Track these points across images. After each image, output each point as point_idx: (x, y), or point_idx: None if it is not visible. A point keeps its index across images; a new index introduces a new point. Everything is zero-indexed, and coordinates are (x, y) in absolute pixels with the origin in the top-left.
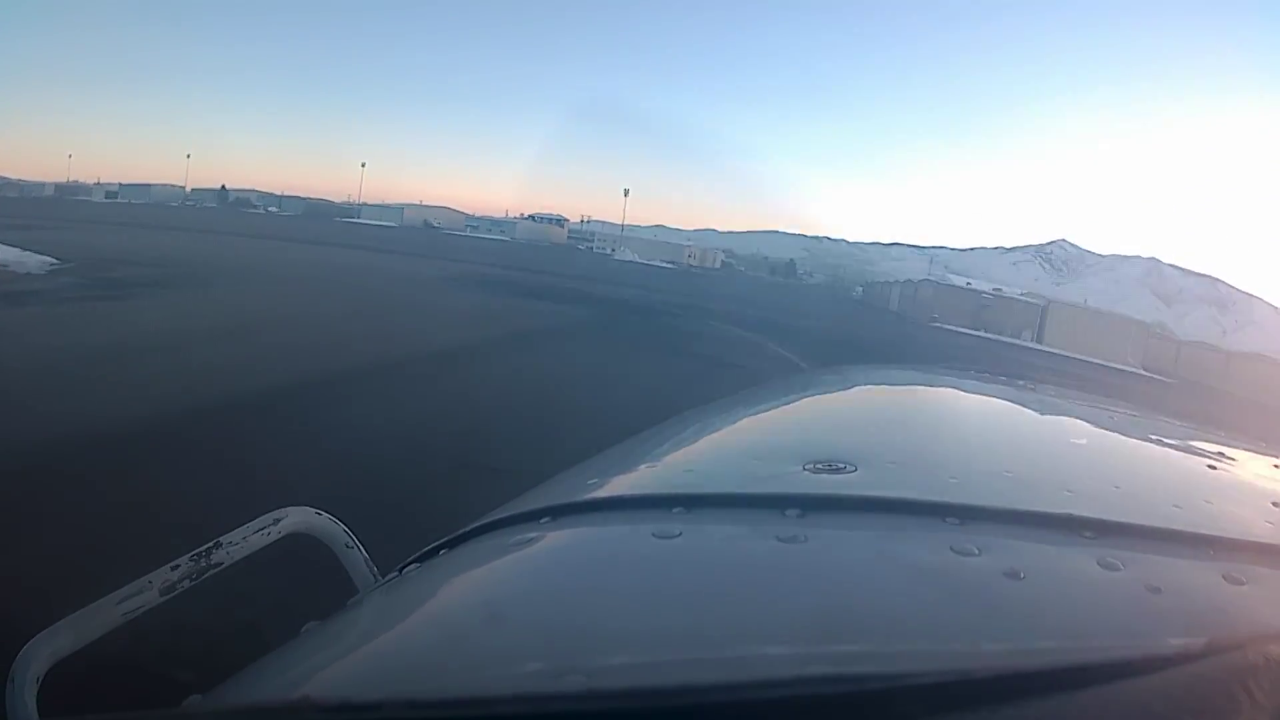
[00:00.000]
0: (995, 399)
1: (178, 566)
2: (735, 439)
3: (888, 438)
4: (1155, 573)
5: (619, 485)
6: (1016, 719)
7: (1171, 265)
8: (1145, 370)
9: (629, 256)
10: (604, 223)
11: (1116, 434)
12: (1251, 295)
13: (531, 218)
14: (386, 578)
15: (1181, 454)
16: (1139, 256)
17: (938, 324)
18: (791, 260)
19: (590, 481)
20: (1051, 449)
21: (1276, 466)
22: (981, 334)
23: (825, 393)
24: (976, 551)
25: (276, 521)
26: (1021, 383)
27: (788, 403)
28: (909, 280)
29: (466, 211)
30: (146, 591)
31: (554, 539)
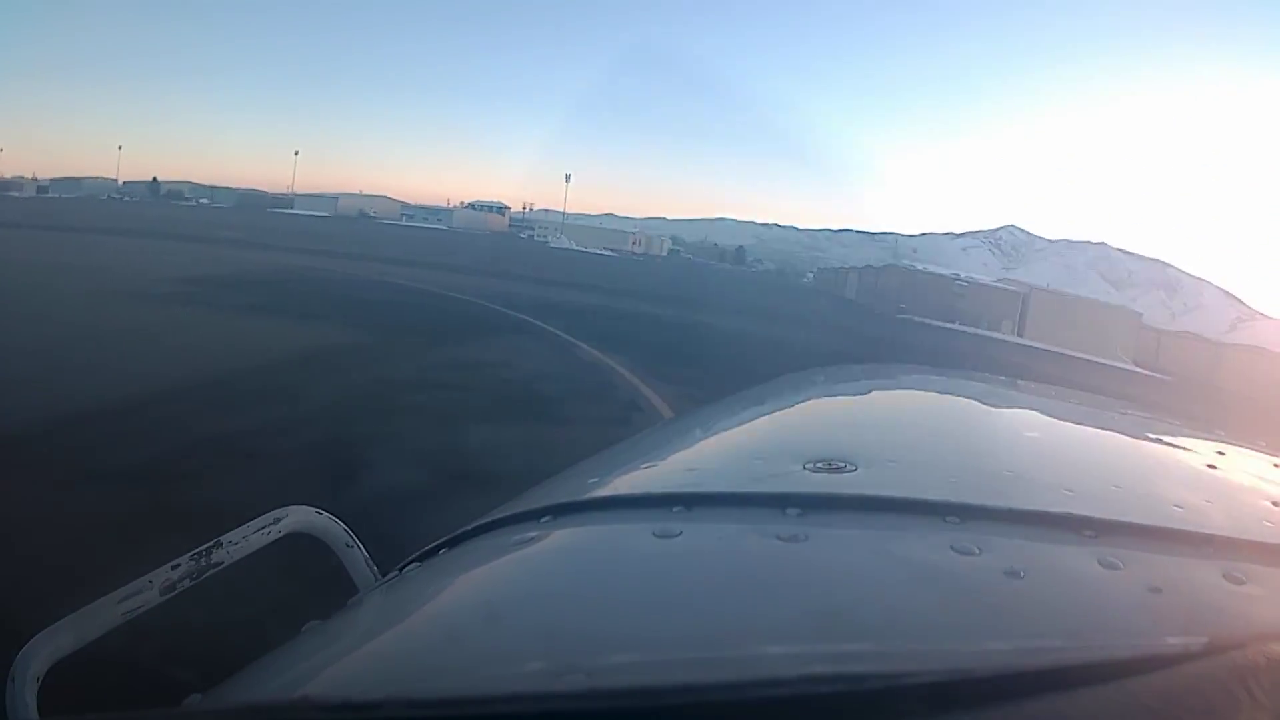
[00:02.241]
0: (996, 398)
1: (178, 566)
2: (735, 438)
3: (888, 437)
4: (1155, 572)
5: (619, 484)
6: (1016, 718)
7: (1120, 250)
8: (1139, 367)
9: (565, 244)
10: (549, 211)
11: (1117, 433)
12: (1201, 279)
13: (472, 206)
14: (387, 577)
15: (1181, 453)
16: (1088, 241)
17: (906, 315)
18: (741, 247)
19: (591, 480)
20: (1052, 448)
21: (1276, 466)
22: (957, 326)
23: (825, 392)
24: (977, 551)
25: (276, 521)
26: (1022, 382)
27: (788, 402)
28: (868, 265)
29: (406, 201)
30: (146, 591)
31: (554, 538)
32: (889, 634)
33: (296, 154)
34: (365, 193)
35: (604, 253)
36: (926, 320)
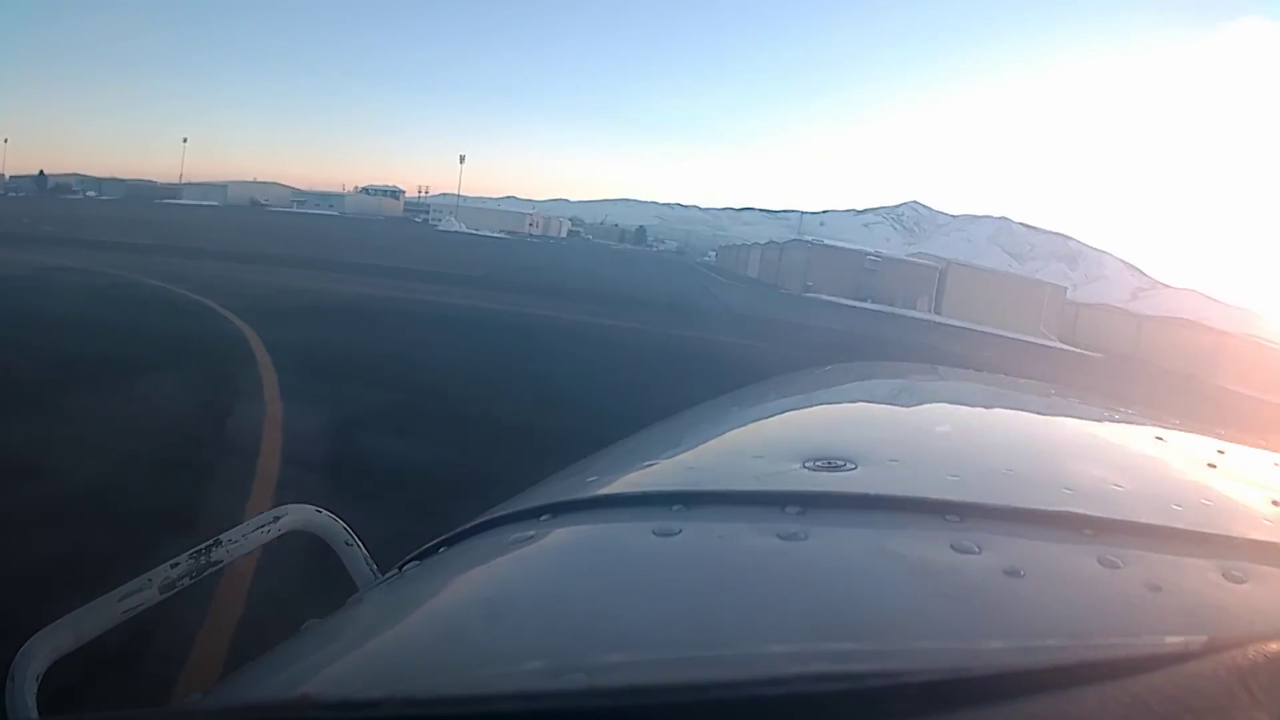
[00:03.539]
0: (995, 396)
1: (177, 564)
2: (735, 436)
3: (888, 435)
4: (1155, 570)
5: (619, 482)
6: (1016, 717)
7: (1021, 223)
8: (1066, 344)
9: (455, 227)
10: (448, 195)
11: (1116, 431)
12: (1101, 250)
13: (366, 190)
14: (386, 575)
15: (1182, 451)
16: (989, 216)
17: (813, 294)
18: (641, 227)
19: (590, 478)
20: (1052, 446)
21: (1277, 465)
22: (870, 305)
23: (825, 390)
24: (976, 549)
25: (276, 519)
26: (1023, 381)
27: (787, 400)
28: (771, 241)
29: (299, 187)
30: (146, 589)
31: (554, 536)
32: (889, 633)
33: (185, 141)
34: (259, 180)
35: (495, 235)
36: (836, 299)
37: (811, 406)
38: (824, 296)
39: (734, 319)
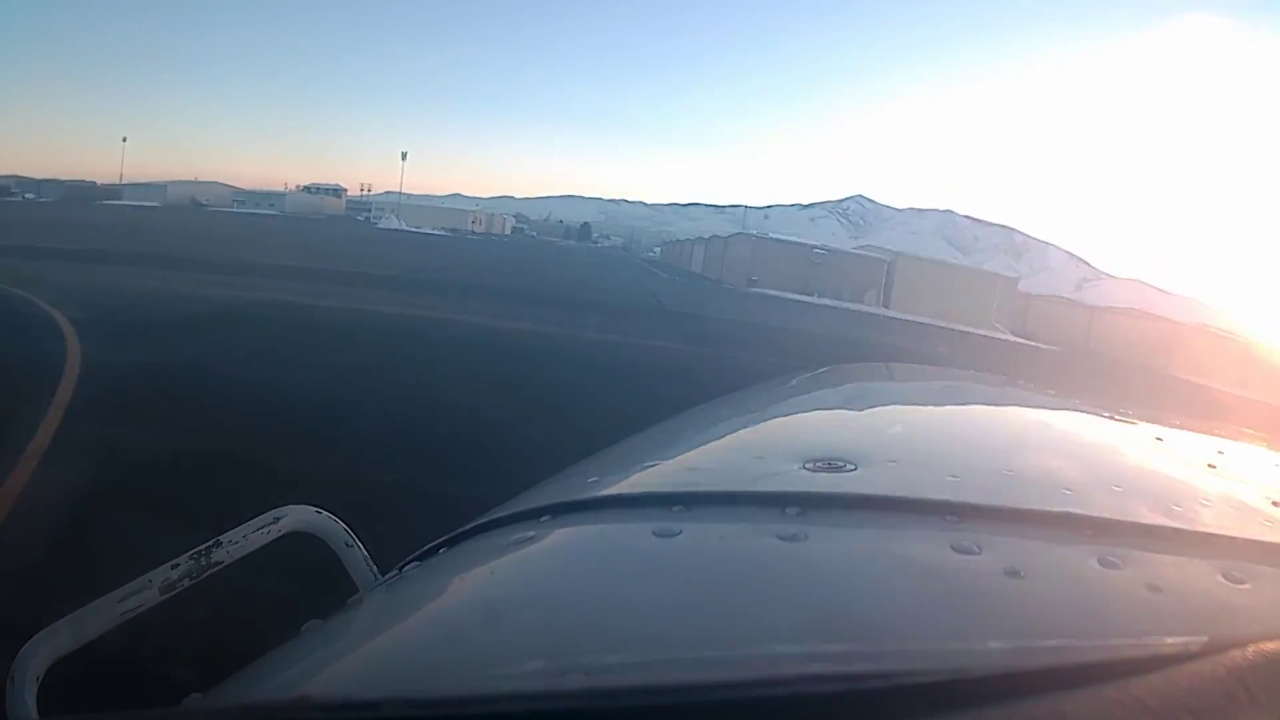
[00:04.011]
0: (995, 397)
1: (178, 565)
2: (735, 437)
3: (888, 436)
4: (1155, 571)
5: (619, 483)
6: (1016, 717)
7: (966, 216)
8: (1016, 336)
9: (395, 225)
10: (392, 193)
11: (1116, 432)
12: (1046, 242)
13: (308, 189)
14: (386, 576)
15: (1182, 451)
16: (934, 209)
17: (758, 289)
18: (586, 223)
19: (590, 479)
20: (1051, 447)
21: (1277, 465)
22: (816, 300)
23: (825, 391)
24: (977, 550)
25: (276, 520)
26: (1022, 381)
27: (788, 401)
28: (715, 235)
29: (241, 186)
30: (146, 590)
31: (554, 537)
32: (889, 633)
33: (125, 140)
34: (200, 179)
35: (436, 233)
36: (781, 293)
37: (811, 408)
38: (769, 291)
39: (665, 318)
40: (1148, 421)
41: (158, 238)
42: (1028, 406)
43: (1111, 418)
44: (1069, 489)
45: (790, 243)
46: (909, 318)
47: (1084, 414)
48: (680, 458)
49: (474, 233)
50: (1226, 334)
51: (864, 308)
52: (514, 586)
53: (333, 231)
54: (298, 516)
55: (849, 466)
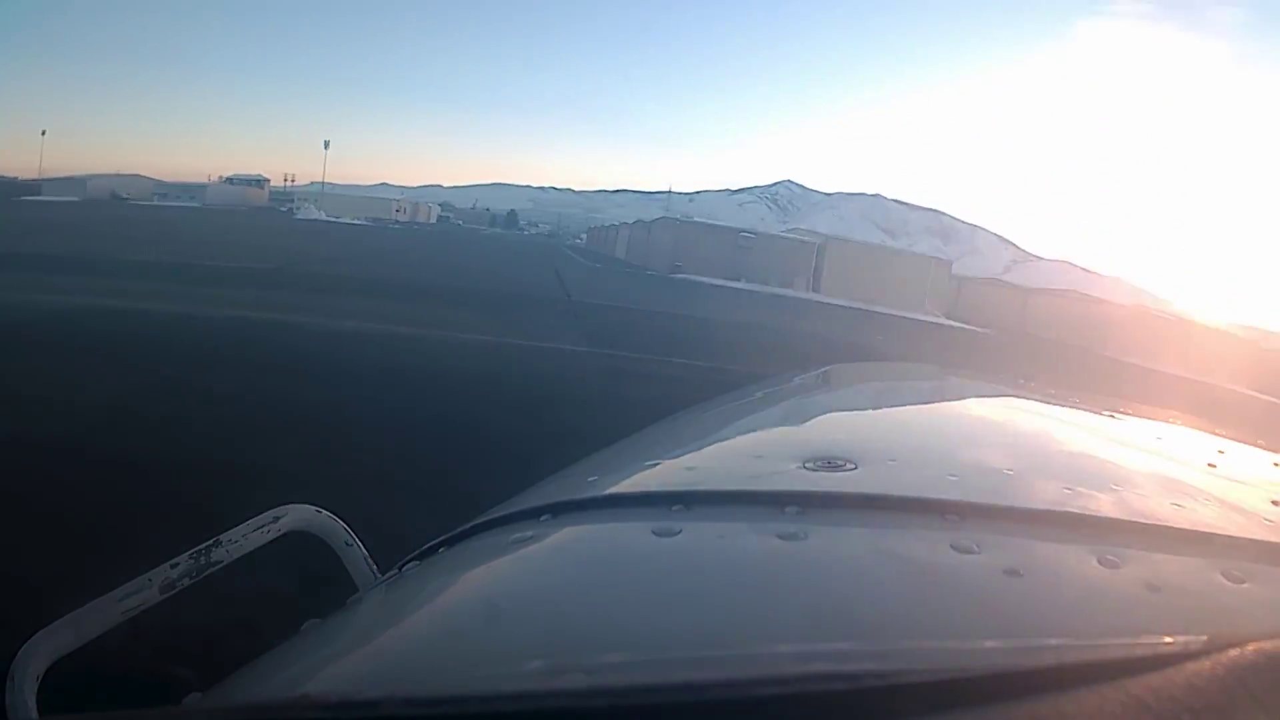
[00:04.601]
0: (995, 396)
1: (177, 564)
2: (735, 436)
3: (887, 435)
4: (1155, 570)
5: (619, 483)
6: (1016, 717)
7: (895, 200)
8: (952, 320)
9: (314, 215)
10: (317, 183)
11: (1116, 431)
12: (974, 225)
13: (230, 180)
14: (386, 575)
15: (1181, 451)
16: (863, 193)
17: (682, 274)
18: (512, 211)
19: (590, 479)
20: (1051, 446)
21: (1276, 465)
22: (743, 285)
23: (825, 390)
24: (976, 549)
25: (276, 519)
26: (1022, 380)
27: (787, 400)
28: (639, 220)
29: (163, 179)
30: (146, 589)
31: (554, 537)
32: (889, 633)
33: (44, 134)
34: (122, 173)
35: (356, 223)
36: (707, 279)
37: (811, 407)
38: (694, 277)
39: (563, 311)
40: (1147, 419)
41: (41, 235)
42: (1027, 406)
43: (1111, 417)
44: (1069, 488)
45: (716, 227)
46: (840, 303)
47: (1084, 413)
48: (680, 457)
49: (397, 222)
50: (1164, 314)
51: (792, 293)
52: (514, 586)
53: (246, 223)
54: (297, 516)
55: (849, 466)
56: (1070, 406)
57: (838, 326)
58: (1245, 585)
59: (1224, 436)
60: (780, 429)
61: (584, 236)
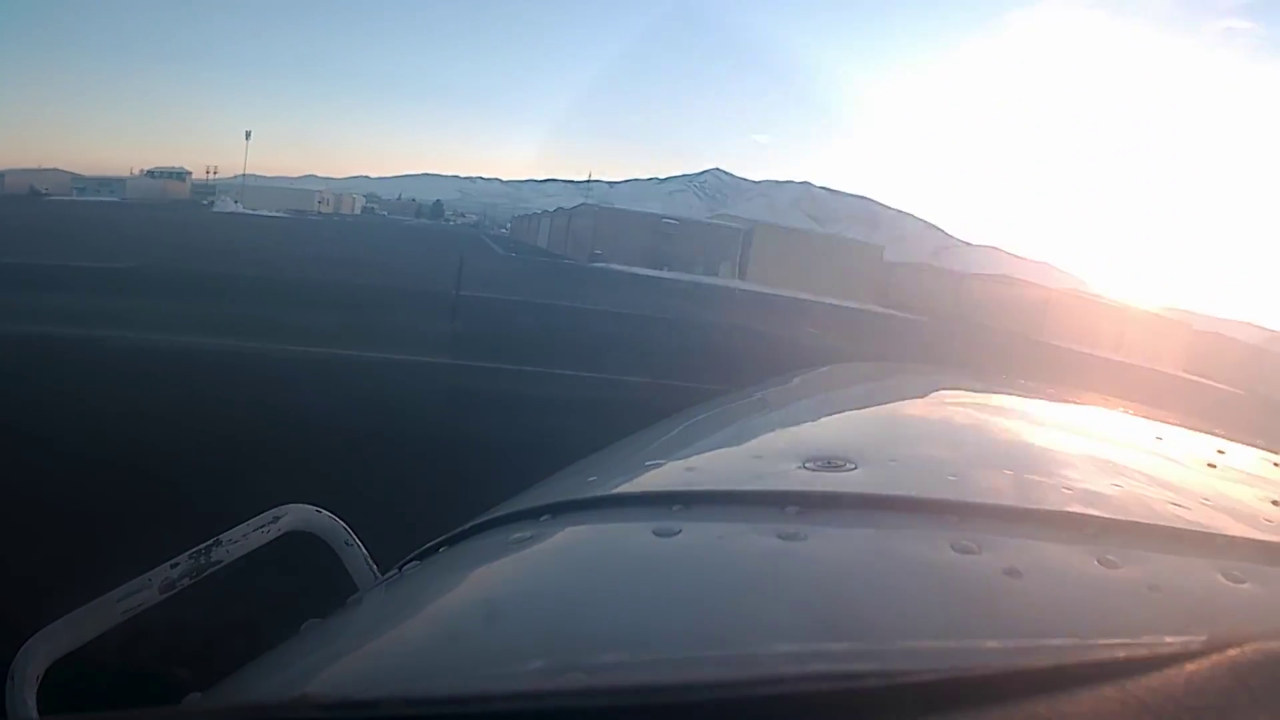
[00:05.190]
0: (995, 397)
1: (177, 564)
2: (735, 436)
3: (887, 435)
4: (1155, 570)
5: (619, 483)
6: (1016, 717)
7: (823, 188)
8: (886, 307)
9: (231, 208)
10: (240, 176)
11: (1116, 431)
12: (902, 211)
13: (150, 173)
14: (386, 575)
15: (1181, 452)
16: (791, 182)
17: (602, 263)
18: (438, 201)
19: (590, 479)
20: (1051, 447)
21: (1276, 465)
22: (666, 273)
23: (824, 390)
24: (976, 549)
25: (276, 519)
26: (1022, 381)
27: (787, 400)
28: (560, 208)
29: (82, 172)
30: (146, 590)
31: (554, 537)
32: (889, 633)
33: None
34: (41, 167)
35: (274, 215)
36: (628, 268)
37: (811, 407)
38: (614, 266)
39: (439, 309)
40: (1147, 420)
41: None
42: (1027, 406)
43: (1111, 417)
44: (1068, 488)
45: (638, 213)
46: (767, 290)
47: (1084, 413)
48: (680, 457)
49: (319, 213)
50: (1097, 299)
51: (717, 281)
52: (514, 586)
53: (151, 217)
54: (297, 515)
55: (848, 466)
56: (1070, 406)
57: (763, 317)
58: (1245, 585)
59: (1223, 436)
60: (780, 429)
61: (509, 226)
